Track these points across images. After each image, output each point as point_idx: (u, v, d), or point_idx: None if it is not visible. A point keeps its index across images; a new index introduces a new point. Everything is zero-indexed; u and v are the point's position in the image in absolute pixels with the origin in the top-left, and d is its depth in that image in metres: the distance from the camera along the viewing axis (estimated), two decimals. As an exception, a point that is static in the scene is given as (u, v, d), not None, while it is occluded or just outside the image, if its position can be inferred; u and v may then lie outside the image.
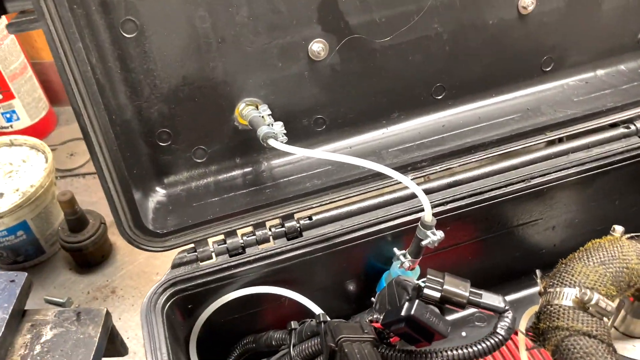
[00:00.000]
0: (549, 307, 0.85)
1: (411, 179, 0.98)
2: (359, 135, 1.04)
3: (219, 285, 0.89)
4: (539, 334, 0.87)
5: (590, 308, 0.82)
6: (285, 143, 0.88)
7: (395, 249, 0.96)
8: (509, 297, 1.17)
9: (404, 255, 0.95)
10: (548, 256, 1.15)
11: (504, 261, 1.14)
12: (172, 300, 0.86)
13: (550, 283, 0.88)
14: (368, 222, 0.94)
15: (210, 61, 0.88)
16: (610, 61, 1.13)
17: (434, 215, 0.96)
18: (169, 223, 0.89)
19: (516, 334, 0.93)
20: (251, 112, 0.93)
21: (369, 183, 0.96)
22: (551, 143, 1.05)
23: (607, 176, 1.03)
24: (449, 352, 0.70)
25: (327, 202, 0.95)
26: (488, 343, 0.70)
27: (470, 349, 0.69)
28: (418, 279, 0.95)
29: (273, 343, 0.90)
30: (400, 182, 0.94)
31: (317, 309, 0.89)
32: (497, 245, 1.09)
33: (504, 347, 1.09)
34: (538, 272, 0.91)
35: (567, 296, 0.84)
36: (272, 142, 0.86)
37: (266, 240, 0.92)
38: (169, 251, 0.89)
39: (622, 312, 1.08)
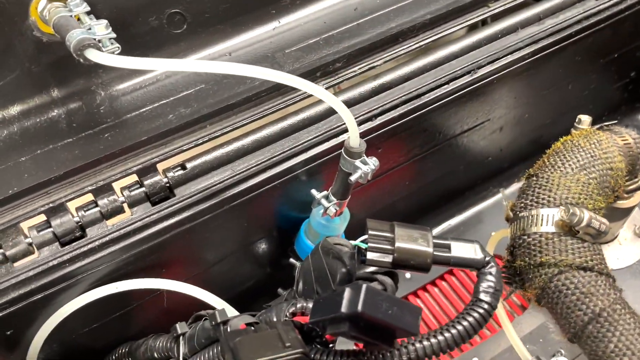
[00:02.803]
0: (525, 237, 0.63)
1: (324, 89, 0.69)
2: (239, 35, 0.72)
3: (52, 292, 0.57)
4: (514, 273, 0.65)
5: (580, 231, 0.61)
6: (119, 54, 0.54)
7: (313, 191, 0.68)
8: (455, 220, 0.96)
9: (326, 198, 0.68)
10: (495, 163, 0.94)
11: (445, 178, 0.91)
12: (-29, 334, 0.53)
13: (521, 204, 0.66)
14: (270, 161, 0.64)
15: None
16: None
17: (361, 135, 0.69)
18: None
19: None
20: (57, 10, 0.57)
21: (263, 103, 0.66)
22: (494, 19, 0.79)
23: (563, 53, 0.81)
24: (417, 345, 0.45)
25: (205, 139, 0.64)
26: (471, 319, 0.46)
27: (447, 335, 0.45)
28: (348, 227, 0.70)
29: (155, 356, 0.61)
30: (308, 97, 0.65)
31: (212, 299, 0.60)
32: (436, 161, 0.85)
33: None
34: (502, 190, 0.69)
35: (548, 220, 0.62)
36: (92, 54, 0.52)
37: (118, 210, 0.60)
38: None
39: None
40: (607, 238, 0.93)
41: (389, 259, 0.49)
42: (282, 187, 0.67)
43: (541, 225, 0.63)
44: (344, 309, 0.41)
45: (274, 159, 0.65)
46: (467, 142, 0.85)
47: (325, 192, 0.68)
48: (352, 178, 0.62)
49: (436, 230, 0.96)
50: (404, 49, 0.71)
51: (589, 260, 0.60)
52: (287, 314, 0.50)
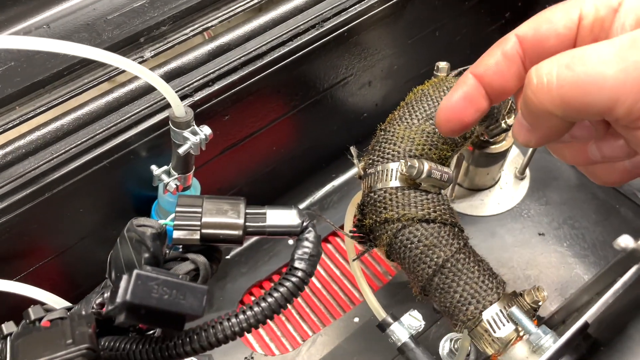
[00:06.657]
0: (372, 195, 0.61)
1: (151, 56, 0.64)
2: (60, 4, 0.65)
3: None
4: (366, 232, 0.64)
5: (422, 183, 0.60)
6: None
7: (153, 167, 0.64)
8: (339, 180, 0.94)
9: (167, 173, 0.64)
10: (373, 119, 0.91)
11: (321, 140, 0.88)
12: None
13: (369, 161, 0.64)
14: (94, 139, 0.59)
15: None
16: None
17: (200, 103, 0.65)
18: None
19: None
20: None
21: (81, 77, 0.60)
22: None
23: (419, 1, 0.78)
24: (225, 324, 0.43)
25: (16, 122, 0.58)
26: (283, 289, 0.44)
27: (257, 309, 0.43)
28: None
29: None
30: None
31: (39, 294, 0.56)
32: (305, 123, 0.82)
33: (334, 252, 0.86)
34: (353, 149, 0.66)
35: (393, 174, 0.60)
36: None
37: None
38: None
39: (464, 164, 0.90)
40: (488, 183, 0.94)
41: (197, 235, 0.46)
42: (117, 166, 0.62)
43: (386, 180, 0.61)
44: (119, 298, 0.38)
45: (99, 135, 0.60)
46: (334, 100, 0.82)
47: (165, 167, 0.64)
48: (180, 150, 0.58)
49: (321, 192, 0.94)
50: (240, 6, 0.67)
51: (432, 212, 0.58)
52: (95, 305, 0.47)
